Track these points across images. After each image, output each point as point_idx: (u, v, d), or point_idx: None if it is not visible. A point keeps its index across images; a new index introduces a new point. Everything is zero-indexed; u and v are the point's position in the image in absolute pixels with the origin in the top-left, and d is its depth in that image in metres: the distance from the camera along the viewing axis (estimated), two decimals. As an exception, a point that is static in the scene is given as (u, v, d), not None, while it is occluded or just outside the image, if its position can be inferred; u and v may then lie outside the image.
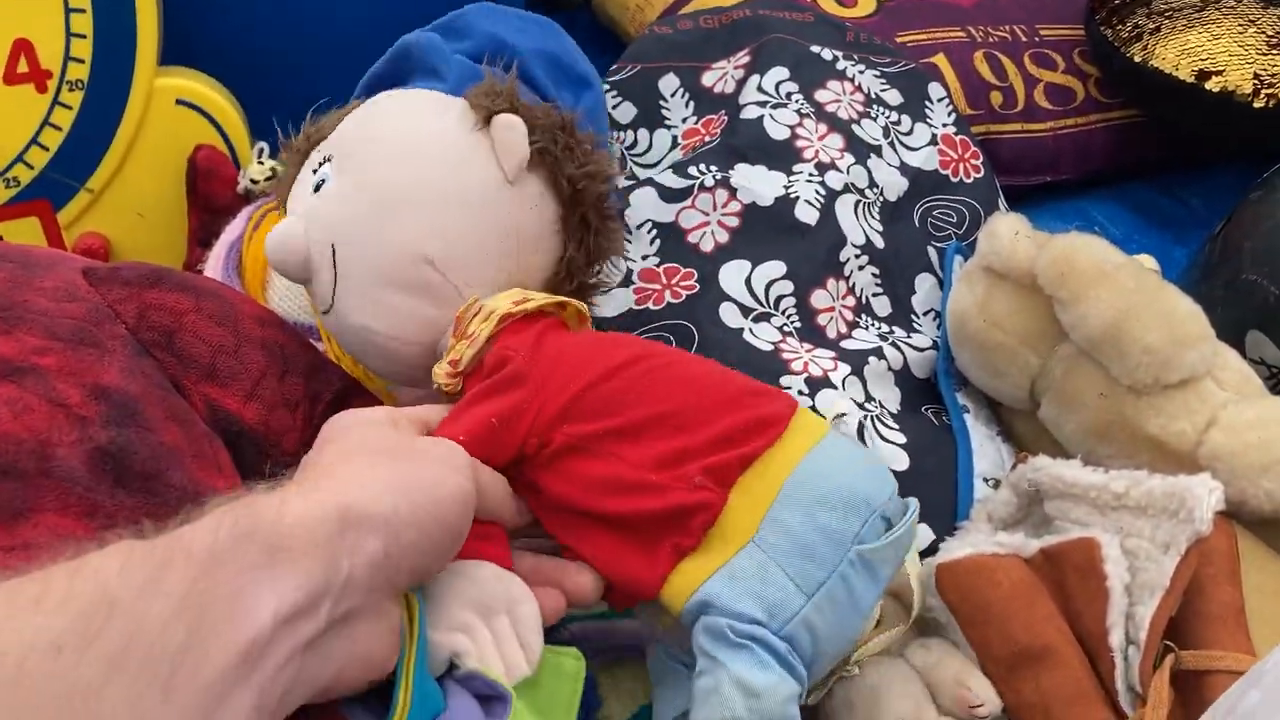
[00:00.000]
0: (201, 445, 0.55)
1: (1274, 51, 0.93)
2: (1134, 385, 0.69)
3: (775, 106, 0.87)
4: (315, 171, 0.63)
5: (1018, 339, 0.74)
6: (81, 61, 0.80)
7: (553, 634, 0.55)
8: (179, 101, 0.84)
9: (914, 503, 0.57)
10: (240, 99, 0.89)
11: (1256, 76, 0.90)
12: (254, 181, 0.84)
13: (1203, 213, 1.05)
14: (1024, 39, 1.05)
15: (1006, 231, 0.74)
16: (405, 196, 0.60)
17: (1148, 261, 0.83)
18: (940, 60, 1.00)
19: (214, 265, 0.81)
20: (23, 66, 0.79)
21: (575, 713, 0.53)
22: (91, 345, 0.53)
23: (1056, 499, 0.69)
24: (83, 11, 0.79)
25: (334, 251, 0.61)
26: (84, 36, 0.79)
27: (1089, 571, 0.63)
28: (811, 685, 0.55)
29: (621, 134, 0.93)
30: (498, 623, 0.52)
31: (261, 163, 0.85)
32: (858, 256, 0.82)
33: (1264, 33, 0.95)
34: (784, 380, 0.74)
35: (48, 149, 0.82)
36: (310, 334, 0.75)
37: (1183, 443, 0.68)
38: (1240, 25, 0.96)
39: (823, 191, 0.83)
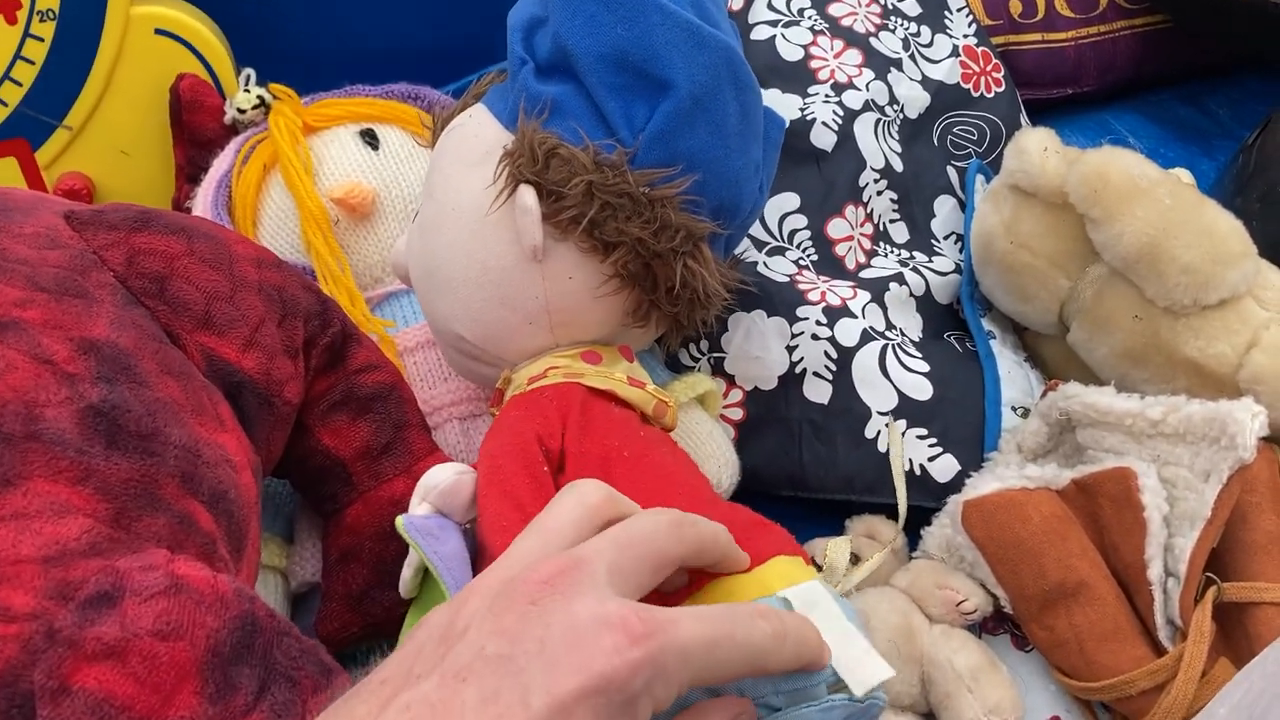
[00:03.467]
0: (200, 399, 0.52)
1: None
2: (1171, 306, 0.66)
3: (787, 25, 0.82)
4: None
5: (1047, 260, 0.71)
6: (52, -11, 0.76)
7: None
8: (158, 31, 0.80)
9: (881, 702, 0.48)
10: (222, 25, 0.84)
11: (1289, -22, 0.86)
12: (241, 111, 0.80)
13: (1230, 124, 1.01)
14: (1044, -58, 1.00)
15: (1035, 148, 0.71)
16: (441, 271, 0.60)
17: (1184, 176, 0.79)
18: (957, -34, 0.95)
19: (202, 202, 0.77)
20: (-11, -4, 0.75)
21: None
22: (77, 295, 0.50)
23: (1089, 427, 0.67)
24: (51, -65, 0.74)
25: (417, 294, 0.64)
26: (53, -38, 0.75)
27: (1125, 502, 0.61)
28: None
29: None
30: None
31: (248, 90, 0.81)
32: (876, 181, 0.79)
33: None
34: (801, 311, 0.71)
35: (21, 84, 0.78)
36: (306, 273, 0.72)
37: (1223, 365, 0.66)
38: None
39: (840, 112, 0.79)
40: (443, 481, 0.53)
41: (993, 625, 0.66)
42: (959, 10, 0.89)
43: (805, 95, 0.79)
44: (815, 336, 0.70)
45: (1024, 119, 0.88)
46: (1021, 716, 0.61)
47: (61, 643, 0.38)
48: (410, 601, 0.54)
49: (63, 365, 0.46)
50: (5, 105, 0.79)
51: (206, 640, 0.41)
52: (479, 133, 0.59)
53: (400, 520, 0.50)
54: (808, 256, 0.76)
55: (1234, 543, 0.62)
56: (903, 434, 0.69)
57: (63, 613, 0.39)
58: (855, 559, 0.67)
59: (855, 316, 0.71)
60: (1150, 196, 0.66)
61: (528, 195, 0.55)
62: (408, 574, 0.52)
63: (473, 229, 0.58)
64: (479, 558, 0.52)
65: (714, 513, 0.51)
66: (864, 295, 0.73)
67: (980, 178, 0.82)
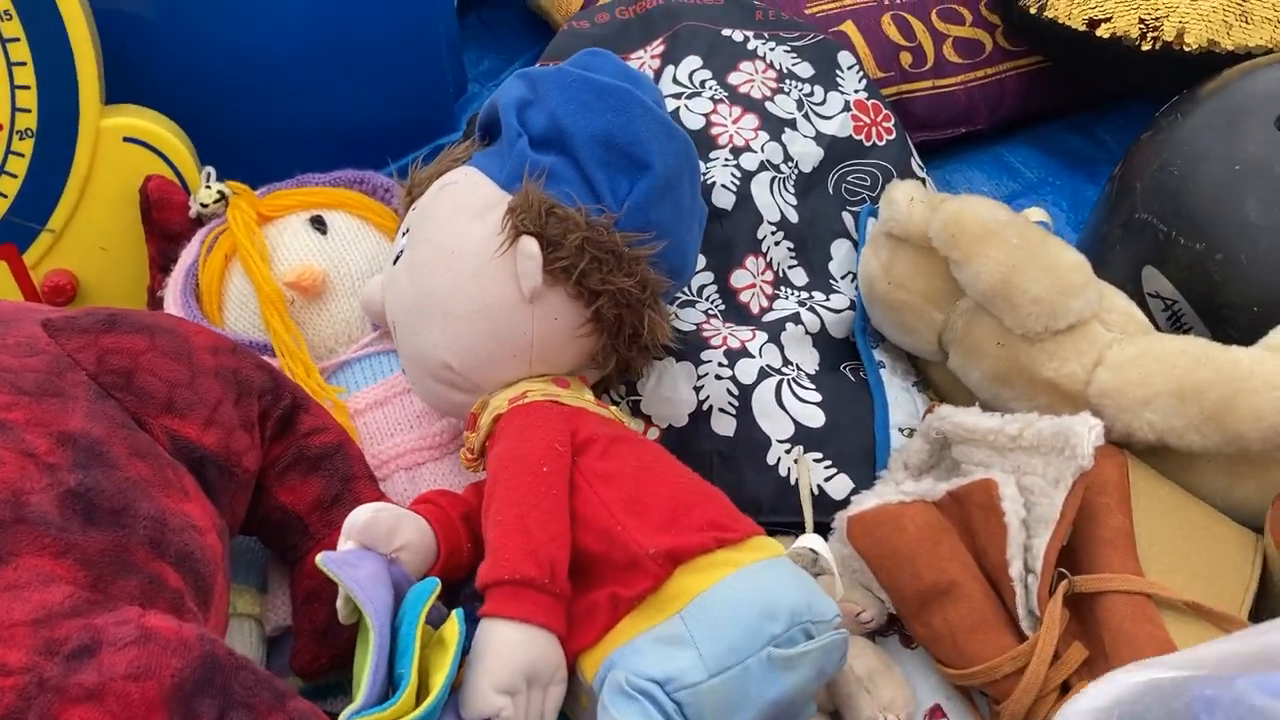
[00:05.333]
0: (166, 474, 0.61)
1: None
2: (1026, 334, 0.75)
3: (690, 96, 0.91)
4: (403, 236, 0.74)
5: (921, 297, 0.80)
6: (28, 111, 0.85)
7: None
8: (126, 139, 0.88)
9: (842, 635, 0.62)
10: (186, 126, 0.93)
11: (1142, 21, 0.94)
12: (204, 205, 0.88)
13: (1115, 149, 1.09)
14: (930, -4, 1.09)
15: (903, 198, 0.79)
16: (437, 306, 0.69)
17: (1036, 214, 0.88)
18: (849, 27, 1.04)
19: (173, 291, 0.85)
20: (-27, 122, 0.84)
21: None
22: (55, 395, 0.59)
23: (960, 444, 0.75)
24: (24, 64, 0.83)
25: (395, 327, 0.74)
26: (28, 87, 0.84)
27: (989, 509, 0.69)
28: None
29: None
30: (535, 695, 0.59)
31: (209, 186, 0.89)
32: (774, 233, 0.87)
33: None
34: (704, 354, 0.80)
35: (6, 196, 0.87)
36: (265, 351, 0.81)
37: (1074, 383, 0.74)
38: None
39: (738, 174, 0.88)
40: (360, 519, 0.62)
41: (882, 628, 0.74)
42: (850, 68, 0.98)
43: (707, 160, 0.88)
44: (718, 376, 0.79)
45: (915, 162, 0.97)
46: (913, 711, 0.70)
47: (50, 690, 0.47)
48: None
49: (44, 457, 0.55)
50: (-7, 215, 0.88)
51: (172, 679, 0.49)
52: (475, 190, 0.70)
53: (319, 557, 0.60)
54: (715, 307, 0.85)
55: (1087, 539, 0.70)
56: (813, 462, 0.78)
57: (50, 665, 0.48)
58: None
59: (753, 356, 0.80)
60: (1000, 238, 0.74)
61: (531, 245, 0.67)
62: (339, 601, 0.61)
63: (473, 271, 0.68)
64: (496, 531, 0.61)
65: (702, 486, 0.67)
66: (761, 336, 0.82)
67: (872, 220, 0.90)
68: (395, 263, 0.73)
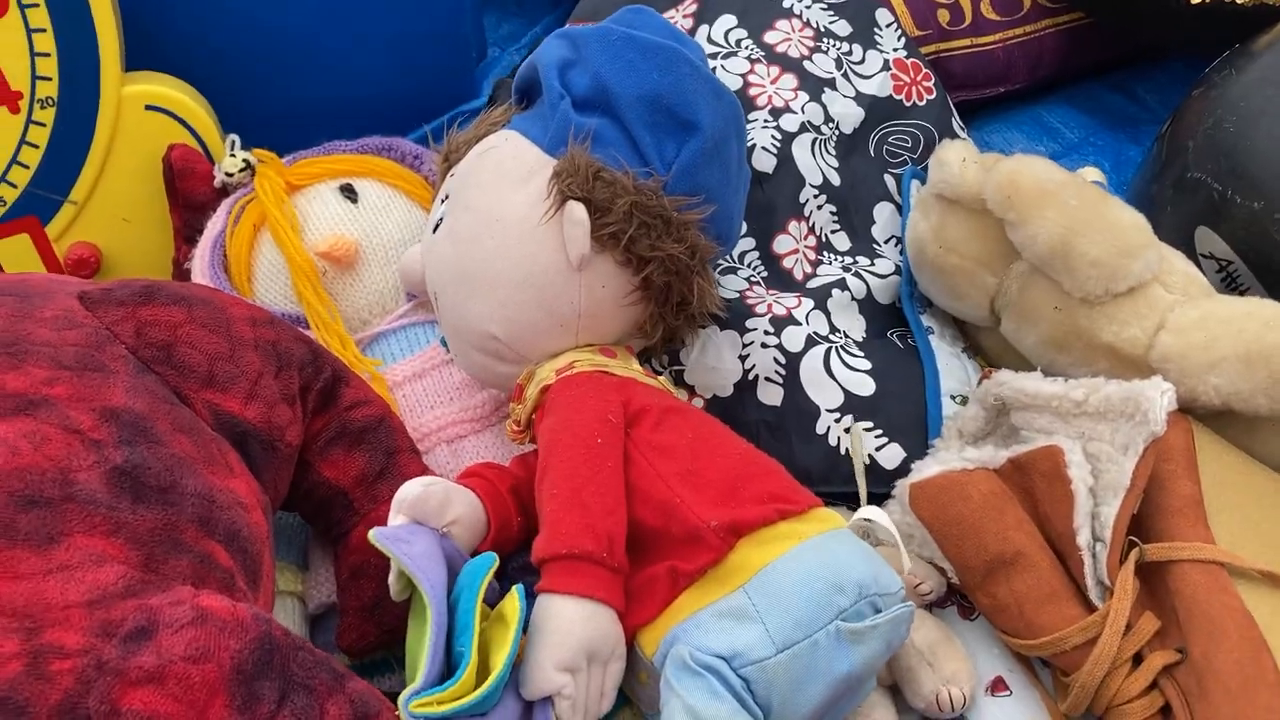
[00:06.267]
0: (211, 450, 0.59)
1: (1210, -55, 0.94)
2: (1085, 297, 0.72)
3: (726, 56, 0.89)
4: (442, 203, 0.72)
5: (974, 261, 0.78)
6: (49, 79, 0.82)
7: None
8: (148, 106, 0.86)
9: (909, 608, 0.61)
10: (207, 95, 0.91)
11: (1192, -26, 0.92)
12: (229, 175, 0.86)
13: (1157, 108, 1.07)
14: (969, -49, 1.06)
15: (954, 159, 0.77)
16: (481, 275, 0.67)
17: (1092, 174, 0.86)
18: (885, -16, 1.01)
19: (200, 262, 0.83)
20: (-7, 90, 0.82)
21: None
22: (96, 370, 0.57)
23: (1021, 410, 0.73)
24: (44, 30, 0.80)
25: (436, 297, 0.71)
26: (48, 55, 0.81)
27: (1055, 477, 0.67)
28: None
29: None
30: (595, 671, 0.58)
31: (234, 155, 0.87)
32: (816, 196, 0.85)
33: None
34: (750, 323, 0.78)
35: (28, 167, 0.85)
36: (298, 323, 0.78)
37: (1135, 348, 0.72)
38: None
39: (779, 136, 0.85)
40: (411, 493, 0.60)
41: (941, 599, 0.72)
42: (888, 26, 0.95)
43: (746, 122, 0.86)
44: (764, 345, 0.77)
45: (956, 122, 0.94)
46: (974, 683, 0.68)
47: (109, 673, 0.45)
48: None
49: (89, 433, 0.53)
50: (15, 187, 0.85)
51: (231, 660, 0.48)
52: (518, 154, 0.68)
53: (372, 533, 0.58)
54: (758, 274, 0.83)
55: (1154, 507, 0.68)
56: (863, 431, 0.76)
57: (108, 647, 0.46)
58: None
59: (800, 324, 0.78)
60: (1057, 199, 0.72)
61: (579, 210, 0.64)
62: (391, 578, 0.59)
63: (519, 238, 0.66)
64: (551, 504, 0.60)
65: (760, 458, 0.65)
66: (808, 303, 0.79)
67: (915, 183, 0.88)
68: (435, 231, 0.71)
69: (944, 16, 1.03)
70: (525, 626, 0.57)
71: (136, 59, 0.87)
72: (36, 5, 0.80)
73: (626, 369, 0.68)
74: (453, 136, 0.74)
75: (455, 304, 0.69)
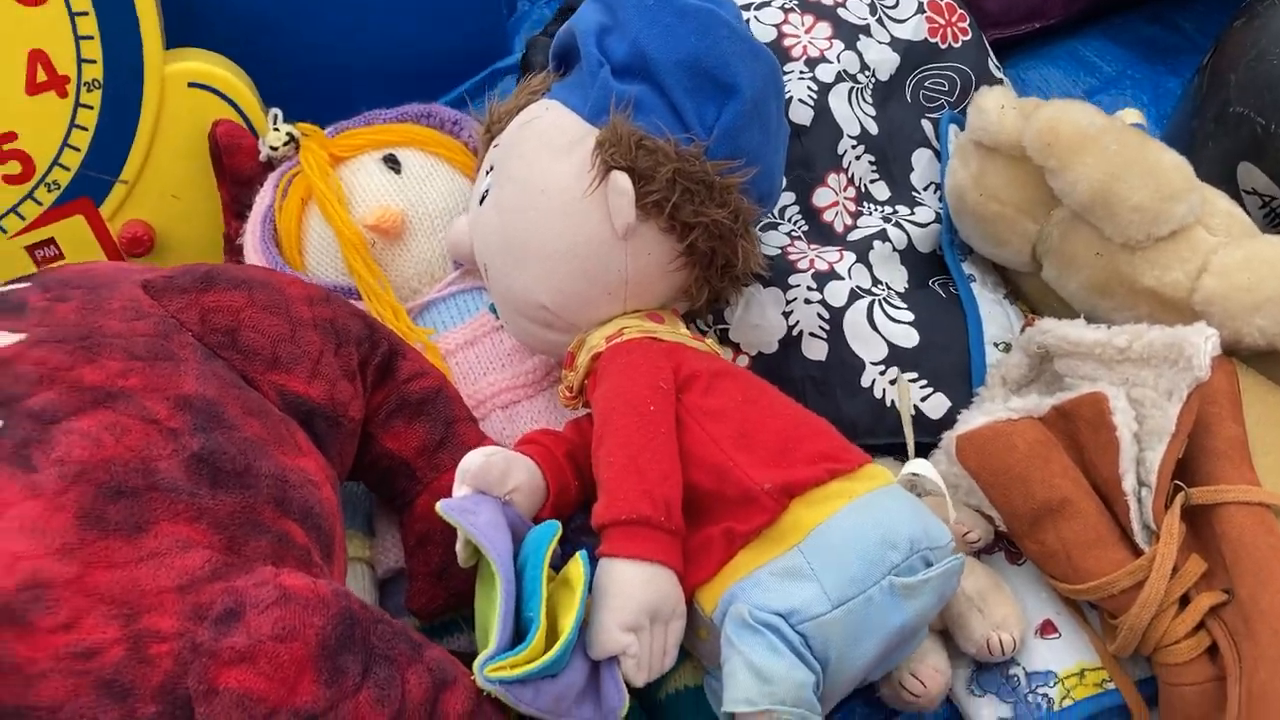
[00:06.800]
0: (280, 431, 0.61)
1: None
2: (1127, 242, 0.73)
3: (759, 7, 0.89)
4: (487, 174, 0.73)
5: (1014, 208, 0.78)
6: (94, 62, 0.84)
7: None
8: (191, 84, 0.87)
9: (959, 560, 0.62)
10: (244, 67, 0.92)
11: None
12: (273, 149, 0.88)
13: (1197, 37, 1.05)
14: (1001, -118, 1.04)
15: (993, 106, 0.77)
16: (528, 245, 0.69)
17: (1132, 116, 0.85)
18: (916, -79, 1.00)
19: (251, 238, 0.85)
20: (41, 76, 0.83)
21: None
22: (166, 359, 0.59)
23: (1064, 358, 0.74)
24: (86, 14, 0.82)
25: (485, 268, 0.73)
26: (91, 38, 0.83)
27: (1099, 423, 0.68)
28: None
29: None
30: (658, 630, 0.60)
31: (277, 129, 0.88)
32: (855, 147, 0.85)
33: None
34: (792, 279, 0.78)
35: (79, 149, 0.87)
36: (350, 295, 0.80)
37: (1178, 291, 0.72)
38: None
39: (815, 87, 0.85)
40: (473, 464, 0.63)
41: (988, 545, 0.74)
42: (922, -34, 0.94)
43: (783, 78, 0.85)
44: (808, 300, 0.78)
45: (992, 63, 0.94)
46: (1024, 628, 0.70)
47: (204, 654, 0.48)
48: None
49: (165, 422, 0.55)
50: (68, 170, 0.87)
51: (316, 636, 0.50)
52: (559, 124, 0.69)
53: (439, 505, 0.61)
54: (799, 228, 0.83)
55: (1199, 450, 0.69)
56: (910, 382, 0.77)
57: (201, 630, 0.49)
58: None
59: (842, 278, 0.79)
60: (1098, 144, 0.72)
61: (623, 180, 0.65)
62: (459, 546, 0.62)
63: (564, 209, 0.67)
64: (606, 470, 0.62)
65: (809, 418, 0.67)
66: (849, 257, 0.80)
67: (954, 127, 0.88)
68: (481, 203, 0.72)
69: (978, -47, 1.01)
70: (589, 589, 0.59)
71: (174, 35, 0.88)
72: (77, -11, 0.81)
73: (674, 334, 0.70)
74: (494, 107, 0.75)
75: (504, 274, 0.71)
